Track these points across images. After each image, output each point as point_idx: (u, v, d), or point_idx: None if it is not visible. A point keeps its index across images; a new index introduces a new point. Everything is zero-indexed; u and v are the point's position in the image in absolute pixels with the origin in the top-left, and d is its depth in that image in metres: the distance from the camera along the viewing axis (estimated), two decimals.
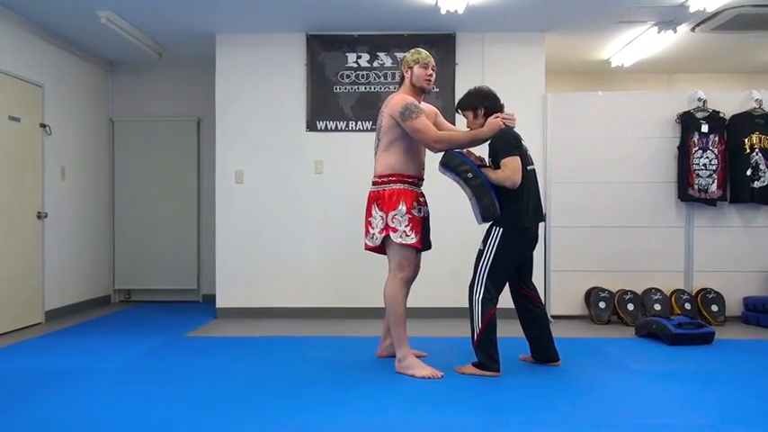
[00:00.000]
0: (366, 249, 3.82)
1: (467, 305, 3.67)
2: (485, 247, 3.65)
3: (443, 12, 5.04)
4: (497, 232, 3.62)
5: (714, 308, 5.35)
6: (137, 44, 5.74)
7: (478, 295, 3.60)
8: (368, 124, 5.66)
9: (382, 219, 3.65)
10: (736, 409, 3.05)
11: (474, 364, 3.65)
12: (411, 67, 3.75)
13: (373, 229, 3.70)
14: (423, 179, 3.83)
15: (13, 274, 5.17)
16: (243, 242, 5.76)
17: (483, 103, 3.74)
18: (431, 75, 3.76)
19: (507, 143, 3.61)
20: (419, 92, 3.77)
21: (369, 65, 5.70)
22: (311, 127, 5.76)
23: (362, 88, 5.66)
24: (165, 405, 3.14)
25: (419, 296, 5.41)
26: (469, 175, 3.57)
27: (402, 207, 3.63)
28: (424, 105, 3.84)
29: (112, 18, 5.18)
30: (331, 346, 4.49)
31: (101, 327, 5.45)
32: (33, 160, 5.48)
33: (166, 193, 6.83)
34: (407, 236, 3.63)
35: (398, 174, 3.69)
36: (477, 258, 3.68)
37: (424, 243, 3.80)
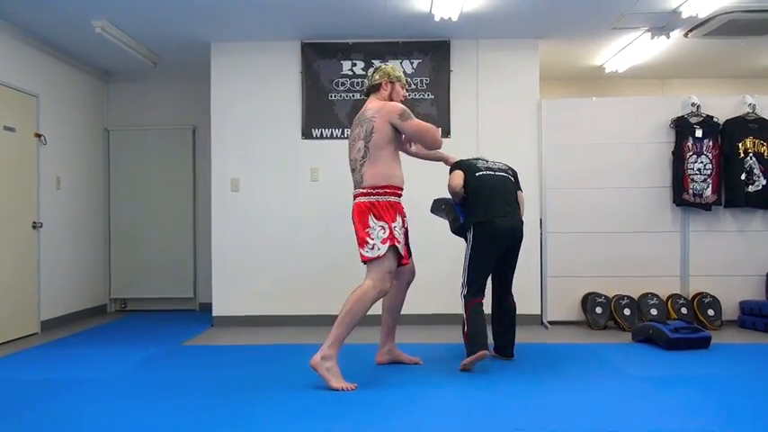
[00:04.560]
0: (364, 261, 3.66)
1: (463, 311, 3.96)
2: (465, 251, 4.14)
3: (437, 19, 5.06)
4: (470, 233, 4.10)
5: (710, 312, 5.36)
6: (132, 53, 5.75)
7: (464, 291, 4.03)
8: None
9: (383, 229, 3.60)
10: (734, 414, 3.05)
11: (468, 355, 3.89)
12: (393, 83, 3.84)
13: (373, 239, 3.60)
14: (403, 189, 3.85)
15: (9, 285, 5.15)
16: (239, 250, 5.75)
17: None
18: (405, 98, 3.95)
19: (452, 168, 4.29)
20: None
21: (364, 72, 5.70)
22: (306, 135, 5.77)
23: (358, 96, 5.67)
24: (161, 415, 3.12)
25: (417, 303, 5.40)
26: (443, 206, 4.36)
27: (399, 220, 3.68)
28: None
29: (107, 28, 5.18)
30: None
31: (97, 336, 5.43)
32: (28, 170, 5.47)
33: (162, 201, 6.83)
34: (400, 248, 3.67)
35: (391, 185, 3.69)
36: (463, 261, 4.14)
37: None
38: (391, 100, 3.81)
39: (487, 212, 4.05)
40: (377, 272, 3.61)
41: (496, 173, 4.23)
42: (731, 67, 6.78)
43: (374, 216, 3.62)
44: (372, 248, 3.60)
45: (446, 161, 4.39)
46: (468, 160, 4.36)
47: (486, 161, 4.34)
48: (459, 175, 4.17)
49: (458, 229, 4.26)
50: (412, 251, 3.98)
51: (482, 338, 3.86)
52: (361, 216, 3.65)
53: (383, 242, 3.59)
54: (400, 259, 3.71)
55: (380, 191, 3.66)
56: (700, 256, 5.55)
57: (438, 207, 4.42)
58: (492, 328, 4.24)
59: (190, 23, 5.29)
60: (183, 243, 6.82)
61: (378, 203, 3.64)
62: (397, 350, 4.12)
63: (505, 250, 4.08)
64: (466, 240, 4.16)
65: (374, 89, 3.87)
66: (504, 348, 4.22)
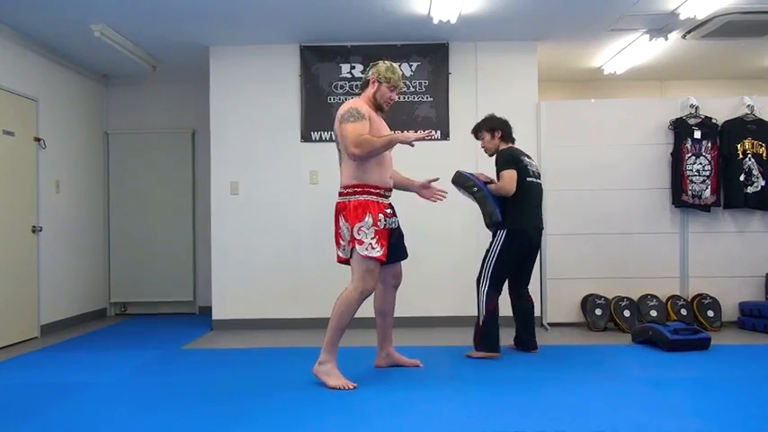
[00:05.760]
0: (338, 262, 3.76)
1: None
2: (491, 246, 4.28)
3: (436, 21, 5.06)
4: (501, 234, 4.23)
5: (710, 313, 5.36)
6: (131, 57, 5.76)
7: (484, 288, 4.24)
8: None
9: (348, 230, 3.59)
10: (735, 415, 3.04)
11: (478, 348, 4.24)
12: (380, 83, 3.73)
13: (343, 240, 3.64)
14: (391, 190, 3.75)
15: (8, 289, 5.15)
16: (239, 253, 5.75)
17: (500, 126, 4.40)
18: (393, 99, 3.80)
19: (505, 160, 4.25)
20: (377, 107, 3.75)
21: (362, 75, 5.69)
22: (306, 137, 5.77)
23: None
24: (161, 419, 3.12)
25: (419, 305, 5.43)
26: (474, 189, 4.18)
27: (368, 219, 3.57)
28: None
29: (106, 32, 5.19)
30: None
31: (97, 340, 5.43)
32: (28, 174, 5.48)
33: (162, 205, 6.83)
34: (373, 248, 3.56)
35: (363, 184, 3.62)
36: (484, 256, 4.31)
37: (390, 255, 3.71)
38: (375, 100, 3.74)
39: (527, 222, 4.27)
40: (356, 273, 3.62)
41: (537, 179, 4.39)
42: (729, 69, 6.79)
43: (343, 217, 3.63)
44: (343, 250, 3.67)
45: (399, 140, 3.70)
46: (515, 156, 4.27)
47: (530, 159, 4.40)
48: (513, 178, 4.17)
49: (493, 225, 4.23)
50: (409, 254, 3.96)
51: (496, 342, 4.24)
52: (335, 218, 3.70)
53: (349, 244, 3.60)
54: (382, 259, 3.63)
55: (350, 190, 3.64)
56: (699, 257, 5.55)
57: (466, 186, 4.22)
58: (515, 324, 4.49)
59: (188, 27, 5.30)
60: (183, 246, 6.82)
61: (348, 203, 3.63)
62: (395, 353, 4.11)
63: (528, 255, 4.38)
64: (494, 235, 4.28)
65: (365, 84, 3.83)
66: (526, 342, 4.45)
